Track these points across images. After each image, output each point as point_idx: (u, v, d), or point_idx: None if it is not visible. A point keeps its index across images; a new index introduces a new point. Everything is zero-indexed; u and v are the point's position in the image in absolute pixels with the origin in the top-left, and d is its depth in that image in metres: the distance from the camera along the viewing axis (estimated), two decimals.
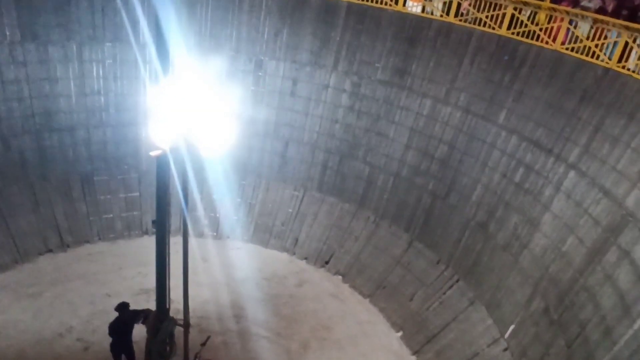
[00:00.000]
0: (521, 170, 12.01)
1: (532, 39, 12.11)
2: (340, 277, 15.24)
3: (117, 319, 10.10)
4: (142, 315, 9.87)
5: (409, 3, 14.11)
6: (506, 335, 11.45)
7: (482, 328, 12.10)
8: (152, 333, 9.04)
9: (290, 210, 16.22)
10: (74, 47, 14.08)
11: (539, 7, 12.06)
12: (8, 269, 13.64)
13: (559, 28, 11.72)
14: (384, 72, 14.56)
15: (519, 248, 11.74)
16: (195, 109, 7.58)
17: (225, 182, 15.11)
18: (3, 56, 13.16)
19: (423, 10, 14.06)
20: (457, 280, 13.20)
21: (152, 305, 9.41)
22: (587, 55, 11.07)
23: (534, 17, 12.24)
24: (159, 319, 9.11)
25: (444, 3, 13.65)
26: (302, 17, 14.82)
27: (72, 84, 14.36)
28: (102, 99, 14.86)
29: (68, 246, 14.74)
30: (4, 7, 12.83)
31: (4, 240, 13.75)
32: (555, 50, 11.62)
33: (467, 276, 13.03)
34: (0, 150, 13.68)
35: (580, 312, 9.65)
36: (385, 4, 14.10)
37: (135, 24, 14.09)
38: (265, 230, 16.20)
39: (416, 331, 13.31)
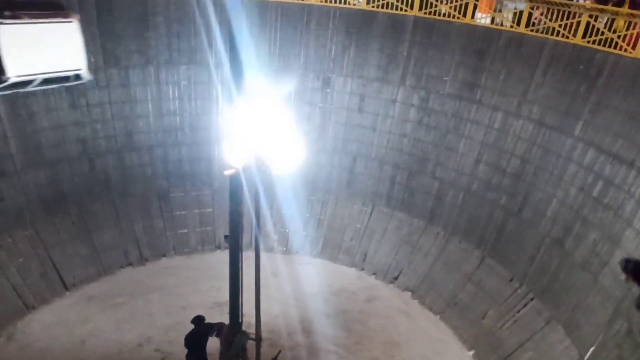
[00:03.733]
0: (600, 184, 11.48)
1: (609, 47, 11.62)
2: (409, 293, 15.07)
3: (192, 331, 10.42)
4: (215, 328, 10.14)
5: (478, 15, 13.92)
6: (586, 358, 10.88)
7: (560, 349, 11.58)
8: (225, 346, 9.28)
9: (358, 225, 16.25)
10: (152, 70, 14.88)
11: (617, 13, 11.58)
12: (93, 280, 14.49)
13: (638, 35, 11.19)
14: (453, 86, 14.39)
15: (598, 266, 11.19)
16: (266, 128, 7.80)
17: (295, 198, 15.38)
18: (89, 82, 14.04)
19: (492, 21, 13.82)
20: (532, 299, 12.72)
21: (225, 319, 9.67)
22: None
23: (611, 24, 11.76)
24: (232, 332, 9.34)
25: (514, 14, 13.38)
26: (369, 33, 14.94)
27: (150, 106, 15.16)
28: (178, 119, 15.58)
29: (146, 260, 15.44)
30: (89, 35, 13.73)
31: (90, 254, 14.61)
32: (636, 58, 11.08)
33: (542, 294, 12.54)
34: (86, 169, 14.60)
35: None
36: (453, 17, 13.98)
37: (208, 46, 14.71)
38: (334, 246, 16.29)
39: (489, 350, 12.92)
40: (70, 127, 14.16)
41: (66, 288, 14.02)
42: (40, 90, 13.18)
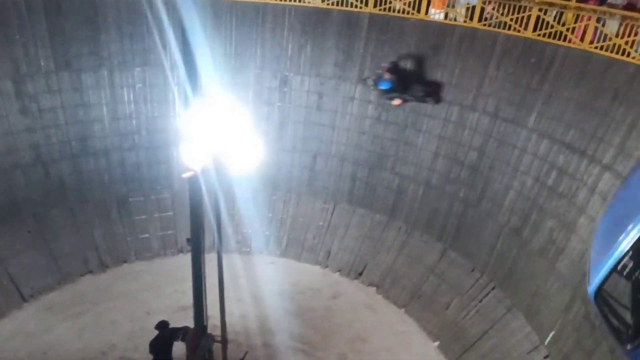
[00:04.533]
0: (554, 173, 11.82)
1: (559, 39, 11.96)
2: (374, 288, 15.20)
3: (157, 336, 10.30)
4: (180, 332, 10.05)
5: (432, 10, 14.10)
6: (546, 342, 11.23)
7: (521, 335, 11.90)
8: (191, 350, 9.21)
9: (321, 223, 16.30)
10: (105, 73, 14.53)
11: (565, 7, 11.92)
12: (52, 290, 14.10)
13: (586, 27, 11.54)
14: None
15: (555, 253, 11.54)
16: (224, 129, 7.74)
17: (256, 199, 15.31)
18: (39, 86, 13.69)
19: (446, 17, 14.03)
20: (493, 288, 13.03)
21: (190, 323, 9.59)
22: (617, 53, 10.87)
23: (560, 18, 12.10)
24: (197, 335, 9.28)
25: (467, 9, 13.61)
26: (325, 31, 14.95)
27: (104, 109, 14.82)
28: (134, 122, 15.28)
29: (107, 266, 15.12)
30: (39, 39, 13.36)
31: (47, 263, 14.22)
32: (584, 50, 11.44)
33: (503, 283, 12.85)
34: (41, 176, 14.19)
35: None
36: (408, 13, 14.14)
37: (162, 48, 14.44)
38: (297, 244, 16.29)
39: (453, 340, 13.17)
40: (22, 133, 13.75)
41: (24, 299, 13.62)
42: None
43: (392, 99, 13.90)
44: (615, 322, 5.85)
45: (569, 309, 10.85)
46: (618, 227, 5.62)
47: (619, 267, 5.57)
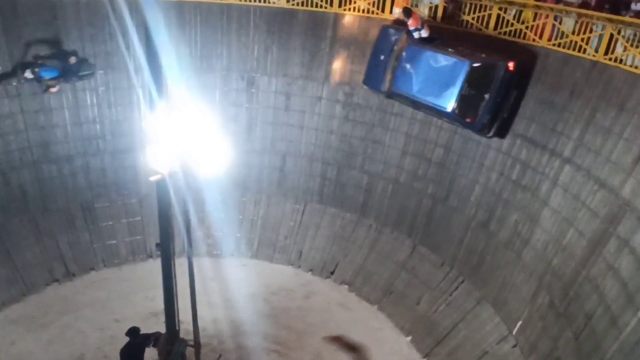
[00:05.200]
0: (518, 167, 12.11)
1: (519, 37, 12.24)
2: (346, 286, 15.28)
3: (127, 343, 10.11)
4: (152, 338, 9.89)
5: (395, 10, 14.23)
6: (514, 332, 11.50)
7: (490, 326, 12.14)
8: (164, 355, 9.10)
9: (292, 223, 16.29)
10: None
11: (524, 5, 12.20)
12: (16, 301, 13.71)
13: (544, 25, 11.85)
14: None
15: (520, 245, 11.82)
16: (191, 131, 7.68)
17: (226, 201, 15.19)
18: None
19: None
20: (463, 281, 13.26)
21: (161, 328, 9.46)
22: (574, 49, 11.20)
23: (519, 16, 12.38)
24: (169, 341, 9.17)
25: (430, 8, 13.79)
26: (290, 32, 14.96)
27: (67, 114, 14.45)
28: (98, 126, 14.96)
29: (74, 275, 14.78)
30: None
31: (10, 274, 13.81)
32: (543, 47, 11.75)
33: (472, 276, 13.09)
34: (0, 184, 13.77)
35: (586, 304, 9.72)
36: (372, 12, 14.25)
37: (126, 50, 14.19)
38: (269, 246, 16.25)
39: (425, 334, 13.35)
40: None
41: None
42: None
43: (48, 88, 13.55)
44: None
45: (535, 298, 11.13)
46: None
47: None
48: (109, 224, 15.47)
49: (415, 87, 12.72)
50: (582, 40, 11.04)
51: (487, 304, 12.44)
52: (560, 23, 11.57)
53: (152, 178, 7.68)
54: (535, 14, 12.02)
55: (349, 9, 14.43)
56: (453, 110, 12.09)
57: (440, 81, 12.26)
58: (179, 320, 9.19)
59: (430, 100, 12.48)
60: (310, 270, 15.85)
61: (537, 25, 11.97)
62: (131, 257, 15.65)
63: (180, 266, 8.94)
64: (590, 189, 10.27)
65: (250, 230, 16.34)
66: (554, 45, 11.56)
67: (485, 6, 12.71)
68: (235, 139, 15.08)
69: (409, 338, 13.59)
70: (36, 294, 14.09)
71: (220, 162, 8.13)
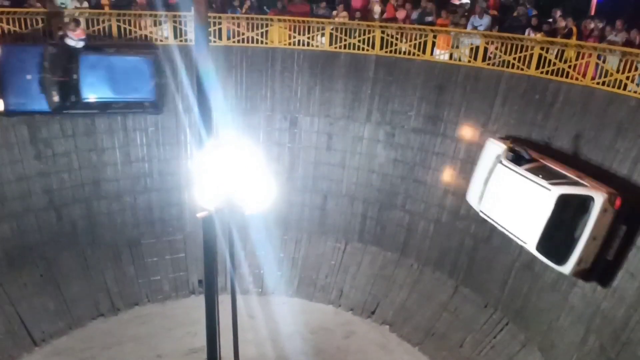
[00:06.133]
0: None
1: (562, 76, 12.21)
2: (387, 326, 15.06)
3: None
4: None
5: (436, 51, 14.46)
6: None
7: None
8: None
9: (333, 262, 16.27)
10: (119, 117, 14.85)
11: (566, 45, 12.22)
12: (62, 334, 14.06)
13: (587, 64, 11.81)
14: (417, 120, 14.80)
15: (567, 287, 11.49)
16: (237, 169, 7.89)
17: (268, 239, 15.33)
18: (54, 131, 14.00)
19: (451, 57, 14.37)
20: (507, 323, 12.90)
21: None
22: (618, 87, 11.10)
23: (562, 55, 12.38)
24: None
25: (471, 49, 13.94)
26: (333, 73, 15.33)
27: (117, 153, 15.08)
28: (147, 165, 15.52)
29: (119, 309, 15.09)
30: None
31: (59, 307, 14.22)
32: (586, 86, 11.69)
33: (516, 318, 12.73)
34: (53, 219, 14.35)
35: (639, 349, 9.32)
36: (413, 54, 14.48)
37: (175, 92, 14.81)
38: (309, 284, 16.24)
39: None
40: (35, 177, 14.00)
41: (35, 344, 13.57)
42: (4, 142, 13.14)
43: None
44: None
45: (584, 343, 10.73)
46: None
47: None
48: (153, 260, 15.81)
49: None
50: (627, 78, 10.94)
51: (534, 347, 12.04)
52: (603, 61, 11.51)
53: (199, 214, 7.87)
54: (578, 53, 12.00)
55: (390, 51, 14.71)
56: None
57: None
58: (220, 357, 9.23)
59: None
60: (351, 309, 15.71)
61: (580, 64, 11.94)
62: (174, 293, 15.88)
63: (221, 303, 9.01)
64: None
65: (291, 269, 16.39)
66: (597, 84, 11.48)
67: (527, 46, 12.77)
68: (277, 178, 15.28)
69: None
70: (82, 327, 14.41)
71: (263, 200, 8.28)
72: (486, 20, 14.19)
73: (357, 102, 15.38)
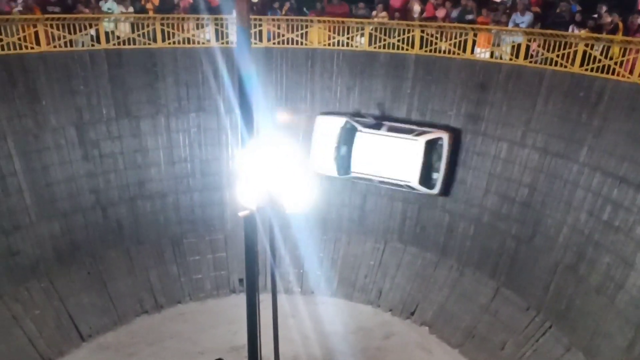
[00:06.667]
0: (609, 207, 11.58)
1: (607, 73, 11.90)
2: (427, 327, 14.96)
3: None
4: None
5: (477, 50, 14.29)
6: None
7: None
8: None
9: (372, 262, 16.26)
10: (162, 119, 15.25)
11: (612, 41, 11.90)
12: (108, 330, 14.50)
13: (635, 60, 11.47)
14: (457, 119, 14.65)
15: (614, 289, 11.17)
16: (278, 169, 8.00)
17: (308, 238, 15.44)
18: (101, 133, 14.47)
19: (492, 55, 14.19)
20: (550, 327, 12.63)
21: None
22: None
23: (607, 52, 12.06)
24: None
25: (513, 47, 13.73)
26: (372, 73, 15.31)
27: (161, 154, 15.47)
28: (189, 165, 15.85)
29: (162, 307, 15.46)
30: (101, 89, 14.21)
31: (105, 303, 14.66)
32: (634, 83, 11.34)
33: (560, 322, 12.45)
34: (100, 218, 14.81)
35: None
36: (453, 53, 14.36)
37: (217, 94, 15.11)
38: (348, 284, 16.27)
39: None
40: (83, 178, 14.45)
41: (82, 339, 14.03)
42: (54, 143, 13.65)
43: None
44: None
45: (632, 348, 10.42)
46: None
47: None
48: (195, 258, 16.13)
49: None
50: None
51: (578, 351, 11.75)
52: None
53: (241, 213, 8.01)
54: (625, 49, 11.67)
55: (430, 50, 14.61)
56: None
57: None
58: (261, 355, 9.36)
59: None
60: (390, 310, 15.67)
61: (628, 61, 11.60)
62: (215, 291, 16.17)
63: (262, 301, 9.16)
64: None
65: (330, 269, 16.45)
66: None
67: (571, 43, 12.49)
68: (317, 178, 15.42)
69: None
70: (127, 323, 14.83)
71: (303, 200, 8.36)
72: (528, 17, 13.94)
73: (396, 101, 15.33)
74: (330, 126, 15.25)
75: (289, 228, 14.20)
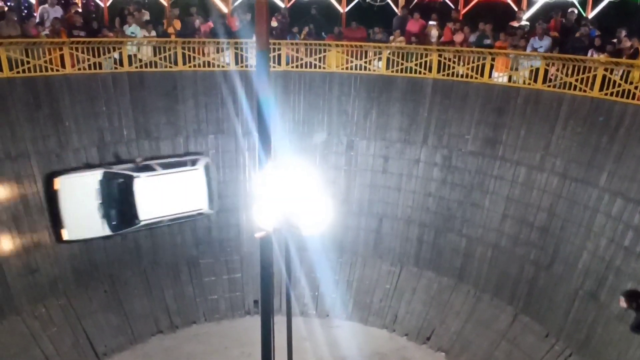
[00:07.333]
0: (630, 233, 11.39)
1: (627, 98, 11.82)
2: (443, 354, 14.74)
3: None
4: None
5: (495, 74, 14.32)
6: None
7: None
8: None
9: (387, 286, 16.13)
10: (181, 140, 15.46)
11: (632, 65, 11.85)
12: (124, 349, 14.56)
13: None
14: (474, 144, 14.62)
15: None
16: (295, 191, 8.03)
17: (323, 261, 15.41)
18: (122, 153, 14.68)
19: (509, 79, 14.19)
20: (570, 354, 12.37)
21: None
22: None
23: (627, 76, 12.00)
24: None
25: (531, 71, 13.73)
26: (390, 97, 15.39)
27: None
28: None
29: (177, 327, 15.48)
30: (123, 110, 14.50)
31: (121, 323, 14.73)
32: None
33: (581, 350, 12.19)
34: (118, 239, 14.91)
35: None
36: (471, 77, 14.39)
37: (235, 116, 15.30)
38: (364, 308, 16.14)
39: None
40: None
41: (98, 357, 14.09)
42: (76, 164, 13.85)
43: None
44: None
45: None
46: None
47: None
48: (211, 279, 16.16)
49: None
50: None
51: None
52: None
53: (258, 234, 8.03)
54: None
55: (448, 74, 14.67)
56: None
57: None
58: None
59: None
60: (406, 334, 15.49)
61: None
62: (230, 312, 16.16)
63: (276, 324, 9.12)
64: None
65: (345, 292, 16.35)
66: None
67: (590, 67, 12.46)
68: (333, 201, 15.43)
69: None
70: (142, 343, 14.88)
71: (319, 223, 8.37)
72: (546, 41, 13.96)
73: (413, 125, 15.36)
74: (83, 183, 13.70)
75: (305, 250, 14.20)
